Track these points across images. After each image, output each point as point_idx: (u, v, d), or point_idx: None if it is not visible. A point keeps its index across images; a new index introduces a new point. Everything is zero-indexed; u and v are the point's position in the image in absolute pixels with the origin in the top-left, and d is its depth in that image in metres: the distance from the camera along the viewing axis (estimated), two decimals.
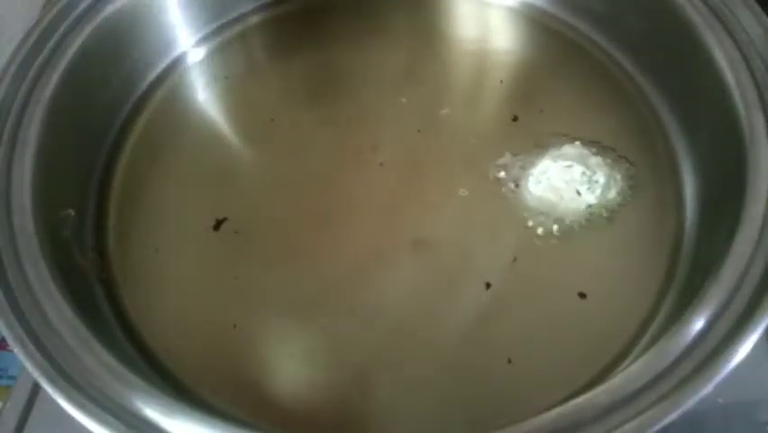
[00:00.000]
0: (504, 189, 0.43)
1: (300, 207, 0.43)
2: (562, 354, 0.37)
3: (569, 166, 0.41)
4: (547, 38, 0.50)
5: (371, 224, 0.42)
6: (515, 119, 0.46)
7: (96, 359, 0.31)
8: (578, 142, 0.43)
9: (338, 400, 0.37)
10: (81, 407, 0.29)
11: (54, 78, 0.40)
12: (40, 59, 0.41)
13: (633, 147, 0.44)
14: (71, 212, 0.40)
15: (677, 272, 0.39)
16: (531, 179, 0.42)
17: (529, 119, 0.45)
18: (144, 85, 0.48)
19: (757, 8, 0.39)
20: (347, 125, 0.46)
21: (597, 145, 0.43)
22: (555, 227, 0.41)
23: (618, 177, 0.42)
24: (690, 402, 0.28)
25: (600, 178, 0.41)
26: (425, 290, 0.40)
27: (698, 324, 0.30)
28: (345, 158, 0.45)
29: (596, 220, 0.41)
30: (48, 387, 0.30)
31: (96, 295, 0.40)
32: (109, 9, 0.44)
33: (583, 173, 0.41)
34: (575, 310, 0.38)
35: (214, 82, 0.50)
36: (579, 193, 0.41)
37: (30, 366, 0.31)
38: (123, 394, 0.30)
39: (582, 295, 0.39)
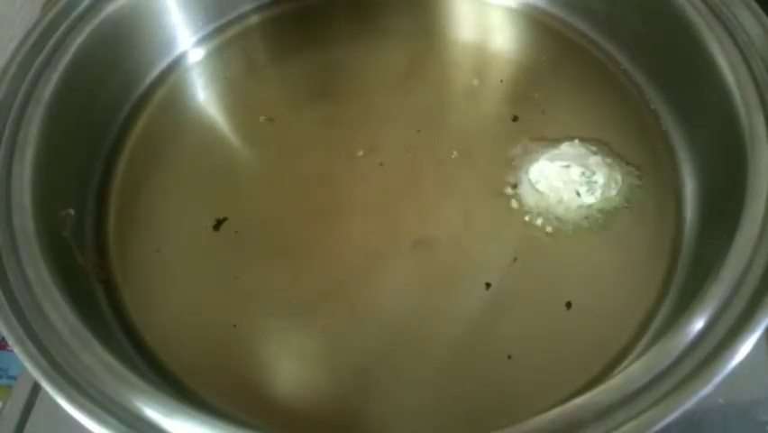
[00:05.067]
0: (504, 189, 0.43)
1: (300, 207, 0.43)
2: (562, 354, 0.37)
3: (567, 166, 0.41)
4: (547, 38, 0.50)
5: (371, 224, 0.42)
6: (515, 119, 0.46)
7: (96, 359, 0.31)
8: (577, 142, 0.43)
9: (338, 400, 0.37)
10: (81, 407, 0.29)
11: (54, 78, 0.40)
12: (40, 59, 0.41)
13: (633, 147, 0.44)
14: (71, 212, 0.41)
15: (677, 272, 0.39)
16: (531, 179, 0.42)
17: (529, 119, 0.45)
18: (144, 85, 0.49)
19: (757, 8, 0.39)
20: (347, 125, 0.46)
21: (597, 145, 0.43)
22: (555, 227, 0.41)
23: (618, 177, 0.42)
24: (690, 402, 0.28)
25: (600, 178, 0.41)
26: (425, 290, 0.40)
27: (698, 324, 0.30)
28: (345, 158, 0.45)
29: (596, 220, 0.41)
30: (48, 387, 0.30)
31: (96, 295, 0.40)
32: (109, 9, 0.44)
33: (582, 173, 0.41)
34: (575, 310, 0.38)
35: (213, 82, 0.50)
36: (578, 194, 0.41)
37: (30, 366, 0.31)
38: (123, 394, 0.30)
39: (582, 295, 0.39)
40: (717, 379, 0.28)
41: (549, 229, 0.41)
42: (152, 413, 0.29)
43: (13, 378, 0.49)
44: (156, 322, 0.40)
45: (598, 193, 0.41)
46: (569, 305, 0.38)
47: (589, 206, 0.41)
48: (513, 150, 0.44)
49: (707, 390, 0.28)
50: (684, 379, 0.29)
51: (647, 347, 0.34)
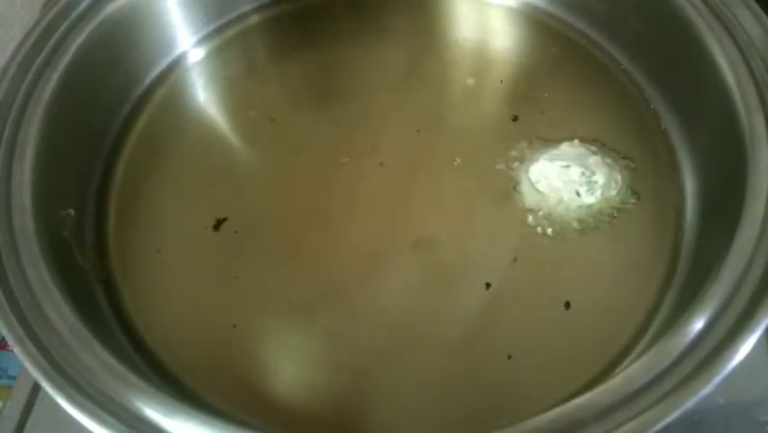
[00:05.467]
0: (504, 189, 0.43)
1: (300, 207, 0.43)
2: (562, 354, 0.37)
3: (567, 166, 0.41)
4: (547, 38, 0.50)
5: (371, 224, 0.42)
6: (515, 119, 0.46)
7: (96, 359, 0.31)
8: (577, 142, 0.43)
9: (338, 400, 0.37)
10: (81, 407, 0.29)
11: (54, 78, 0.40)
12: (40, 59, 0.41)
13: (633, 147, 0.44)
14: (71, 212, 0.40)
15: (677, 272, 0.39)
16: (531, 179, 0.42)
17: (529, 119, 0.45)
18: (144, 85, 0.49)
19: (757, 8, 0.39)
20: (347, 125, 0.46)
21: (597, 145, 0.43)
22: (555, 227, 0.41)
23: (618, 177, 0.42)
24: (690, 402, 0.28)
25: (600, 178, 0.41)
26: (425, 291, 0.40)
27: (698, 324, 0.30)
28: (345, 158, 0.45)
29: (596, 220, 0.41)
30: (48, 387, 0.30)
31: (96, 295, 0.40)
32: (109, 9, 0.44)
33: (582, 173, 0.41)
34: (575, 310, 0.38)
35: (214, 82, 0.50)
36: (578, 194, 0.41)
37: (30, 366, 0.31)
38: (123, 394, 0.30)
39: (582, 295, 0.39)
40: (717, 379, 0.28)
41: (549, 229, 0.41)
42: (152, 413, 0.29)
43: (13, 378, 0.49)
44: (156, 322, 0.40)
45: (598, 193, 0.41)
46: (569, 305, 0.38)
47: (589, 206, 0.41)
48: (513, 150, 0.44)
49: (707, 390, 0.28)
50: (684, 379, 0.29)
51: (647, 347, 0.34)
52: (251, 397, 0.37)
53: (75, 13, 0.43)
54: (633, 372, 0.29)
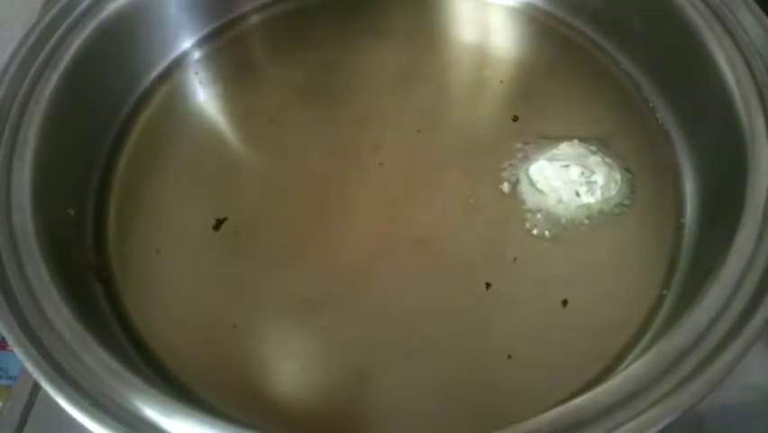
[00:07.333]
0: (504, 189, 0.43)
1: (300, 207, 0.43)
2: (562, 354, 0.37)
3: (567, 166, 0.41)
4: (547, 38, 0.50)
5: (371, 224, 0.42)
6: (515, 119, 0.46)
7: (96, 359, 0.31)
8: (577, 142, 0.43)
9: (338, 400, 0.37)
10: (81, 407, 0.29)
11: (54, 78, 0.40)
12: (40, 59, 0.41)
13: (633, 147, 0.44)
14: (71, 212, 0.41)
15: (677, 272, 0.39)
16: (531, 178, 0.42)
17: (529, 119, 0.45)
18: (144, 85, 0.49)
19: (757, 9, 0.39)
20: (347, 125, 0.46)
21: (596, 145, 0.43)
22: (555, 228, 0.41)
23: (618, 177, 0.42)
24: (690, 402, 0.28)
25: (599, 178, 0.41)
26: (425, 290, 0.39)
27: (698, 324, 0.30)
28: (345, 158, 0.45)
29: (595, 220, 0.41)
30: (48, 387, 0.30)
31: (96, 295, 0.40)
32: (109, 9, 0.44)
33: (582, 173, 0.41)
34: (575, 310, 0.38)
35: (213, 82, 0.50)
36: (578, 194, 0.41)
37: (30, 366, 0.31)
38: (123, 394, 0.30)
39: (582, 295, 0.39)
40: (718, 379, 0.28)
41: (549, 229, 0.41)
42: (152, 413, 0.29)
43: (13, 378, 0.49)
44: (156, 322, 0.40)
45: (598, 193, 0.41)
46: (569, 305, 0.38)
47: (589, 206, 0.41)
48: (513, 150, 0.44)
49: (707, 390, 0.28)
50: (684, 379, 0.29)
51: (647, 347, 0.34)
52: (250, 397, 0.37)
53: (75, 13, 0.43)
54: (633, 372, 0.29)
